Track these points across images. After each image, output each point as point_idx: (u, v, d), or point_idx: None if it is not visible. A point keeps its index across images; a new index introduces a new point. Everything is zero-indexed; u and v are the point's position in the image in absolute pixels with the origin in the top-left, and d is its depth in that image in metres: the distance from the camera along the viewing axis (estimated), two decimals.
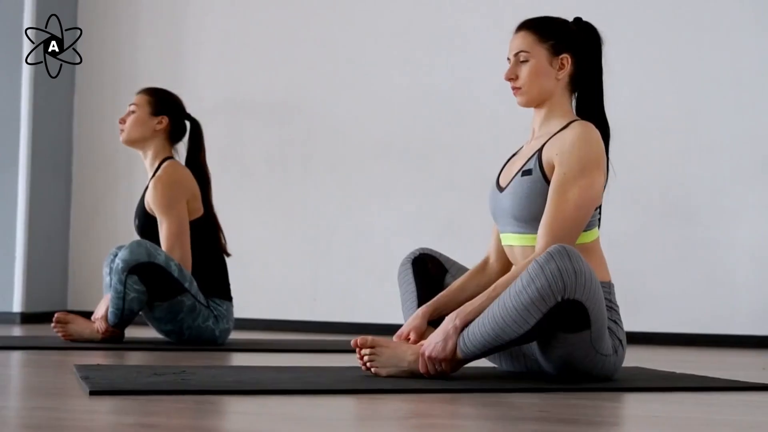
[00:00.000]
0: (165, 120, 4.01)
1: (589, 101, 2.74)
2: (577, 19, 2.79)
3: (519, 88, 2.72)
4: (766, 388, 2.67)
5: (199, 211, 3.97)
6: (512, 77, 2.72)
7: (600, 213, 2.72)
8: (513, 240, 2.70)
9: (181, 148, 4.12)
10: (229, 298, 3.97)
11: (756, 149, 4.81)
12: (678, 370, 3.07)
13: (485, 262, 2.84)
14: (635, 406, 2.35)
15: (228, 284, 3.99)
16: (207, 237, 3.97)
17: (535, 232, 2.63)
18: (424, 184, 5.31)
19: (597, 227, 2.70)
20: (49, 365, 3.08)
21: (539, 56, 2.70)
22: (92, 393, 2.23)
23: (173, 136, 4.05)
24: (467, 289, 2.76)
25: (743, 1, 4.90)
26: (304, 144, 5.54)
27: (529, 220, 2.64)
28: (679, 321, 4.82)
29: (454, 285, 2.77)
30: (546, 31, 2.72)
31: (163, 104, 4.03)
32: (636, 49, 4.93)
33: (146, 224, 3.94)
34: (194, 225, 3.94)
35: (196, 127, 4.07)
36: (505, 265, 2.81)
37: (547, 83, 2.70)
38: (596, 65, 2.75)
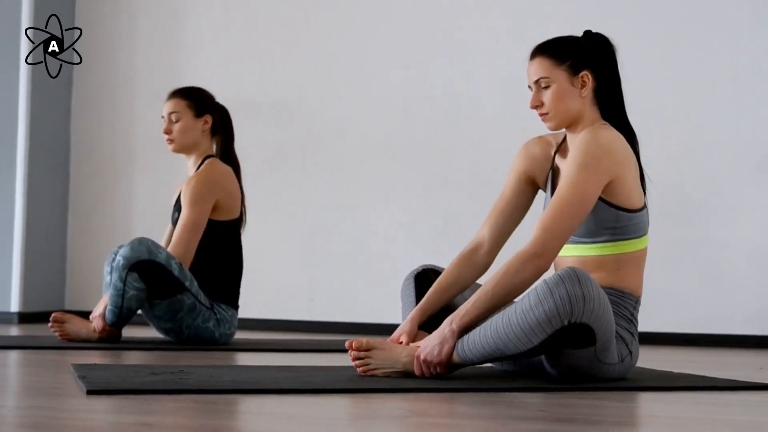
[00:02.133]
0: (209, 119, 3.98)
1: (610, 110, 2.74)
2: (587, 32, 2.77)
3: (546, 114, 2.70)
4: (764, 387, 2.67)
5: (235, 212, 3.96)
6: (538, 104, 2.71)
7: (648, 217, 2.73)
8: (567, 250, 2.70)
9: None
10: (236, 306, 3.96)
11: (754, 149, 4.80)
12: (676, 370, 3.07)
13: (474, 251, 2.79)
14: (634, 406, 2.34)
15: (238, 292, 3.98)
16: (234, 242, 3.96)
17: (587, 241, 2.65)
18: (422, 184, 5.30)
19: (647, 235, 2.69)
20: (46, 365, 3.07)
21: (560, 79, 2.68)
22: (89, 392, 2.23)
23: (214, 131, 4.03)
24: (455, 284, 2.74)
25: (742, 2, 4.89)
26: (302, 144, 5.54)
27: (578, 230, 2.65)
28: (678, 321, 4.82)
29: (441, 282, 2.74)
30: (561, 52, 2.70)
31: (203, 103, 3.99)
32: (635, 49, 4.92)
33: None
34: (226, 225, 3.93)
35: (226, 114, 4.04)
36: (495, 256, 2.80)
37: (573, 103, 2.69)
38: (613, 74, 2.74)
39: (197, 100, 3.98)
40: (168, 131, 3.94)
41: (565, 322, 2.41)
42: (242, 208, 4.02)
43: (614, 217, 2.63)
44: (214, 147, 4.03)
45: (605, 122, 2.72)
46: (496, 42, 5.17)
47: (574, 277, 2.42)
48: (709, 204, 4.84)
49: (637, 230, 2.66)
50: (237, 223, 3.98)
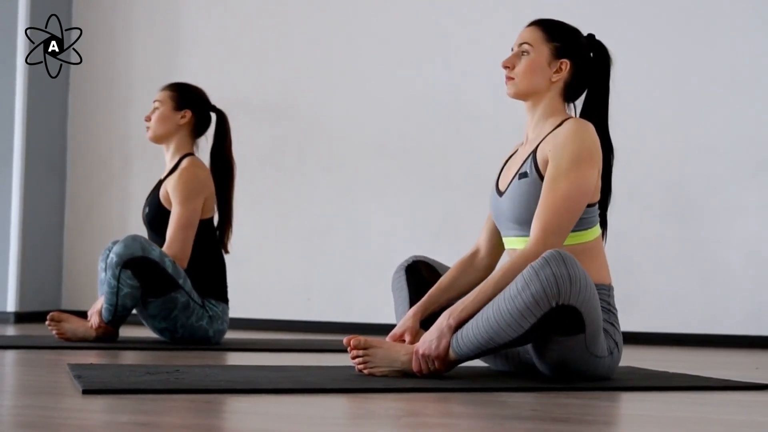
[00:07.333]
0: (188, 114, 4.01)
1: (593, 118, 2.74)
2: (591, 35, 2.80)
3: (512, 78, 2.74)
4: (759, 387, 2.68)
5: (212, 211, 3.99)
6: (508, 65, 2.75)
7: (601, 211, 2.74)
8: (516, 243, 2.71)
9: (203, 141, 4.12)
10: (226, 300, 3.97)
11: (752, 150, 4.81)
12: (671, 370, 3.08)
13: (474, 255, 2.84)
14: (628, 406, 2.35)
15: (225, 286, 3.99)
16: (212, 238, 3.98)
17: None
18: (419, 183, 5.31)
19: (597, 225, 2.70)
20: (42, 364, 3.08)
21: (540, 53, 2.72)
22: (85, 392, 2.24)
23: (197, 129, 4.06)
24: (456, 286, 2.77)
25: (741, 2, 4.90)
26: (298, 143, 5.54)
27: (530, 223, 2.65)
28: (673, 320, 4.82)
29: (443, 282, 2.77)
30: (555, 32, 2.74)
31: (186, 98, 4.02)
32: (634, 48, 4.93)
33: (158, 214, 3.94)
34: (206, 224, 3.96)
35: (221, 118, 4.07)
36: (496, 260, 2.83)
37: (540, 81, 2.72)
38: (602, 85, 2.76)
39: (181, 94, 4.03)
40: (147, 118, 4.02)
41: (553, 304, 2.42)
42: (229, 208, 4.04)
43: None
44: (195, 148, 4.06)
45: (581, 119, 2.72)
46: (494, 42, 5.17)
47: (559, 258, 2.43)
48: (707, 204, 4.85)
49: (589, 223, 2.68)
50: (212, 221, 4.02)
